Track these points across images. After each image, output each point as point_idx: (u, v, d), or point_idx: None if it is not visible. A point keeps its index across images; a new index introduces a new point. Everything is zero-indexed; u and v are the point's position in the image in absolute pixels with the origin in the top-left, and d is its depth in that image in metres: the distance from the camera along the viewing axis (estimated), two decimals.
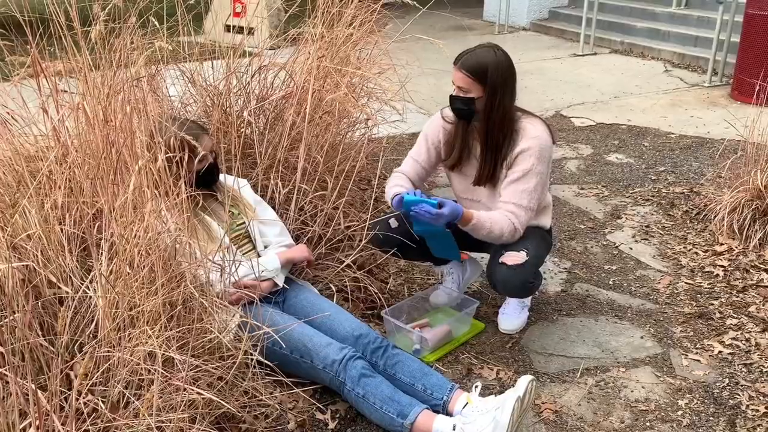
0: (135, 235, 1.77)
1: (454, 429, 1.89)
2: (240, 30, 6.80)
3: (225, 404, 1.77)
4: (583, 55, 7.27)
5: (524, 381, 1.90)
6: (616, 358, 2.39)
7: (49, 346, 1.73)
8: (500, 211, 2.30)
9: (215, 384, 1.83)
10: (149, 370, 1.58)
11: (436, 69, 6.65)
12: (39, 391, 1.49)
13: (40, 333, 1.77)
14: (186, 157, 2.15)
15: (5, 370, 1.56)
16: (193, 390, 1.58)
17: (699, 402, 2.16)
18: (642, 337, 2.50)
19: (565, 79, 6.33)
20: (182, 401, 1.63)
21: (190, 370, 1.71)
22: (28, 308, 1.67)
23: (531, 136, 2.28)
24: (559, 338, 2.50)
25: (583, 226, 3.42)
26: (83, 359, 1.68)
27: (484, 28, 8.90)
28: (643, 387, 2.24)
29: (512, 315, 2.54)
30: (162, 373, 1.64)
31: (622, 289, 2.84)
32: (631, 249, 3.17)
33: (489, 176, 2.37)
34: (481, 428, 1.85)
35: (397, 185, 2.42)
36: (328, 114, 2.68)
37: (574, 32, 7.86)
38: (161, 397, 1.61)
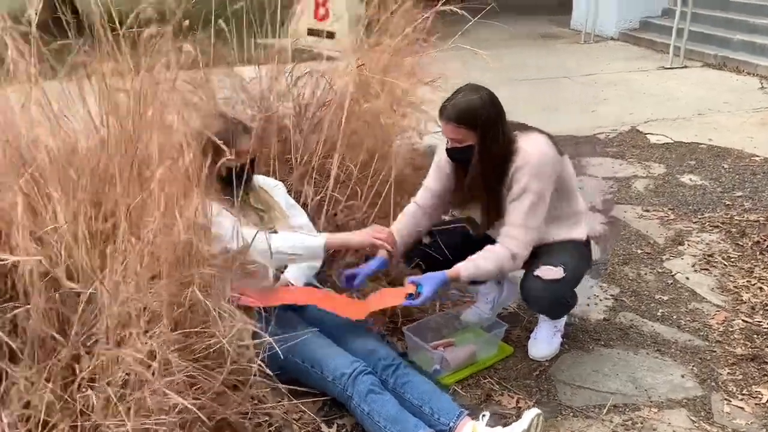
0: (149, 234, 1.80)
1: None
2: (323, 34, 6.91)
3: (223, 410, 1.78)
4: (671, 68, 6.90)
5: (529, 415, 1.80)
6: (649, 396, 2.23)
7: (60, 338, 1.79)
8: (497, 244, 2.23)
9: (217, 389, 1.84)
10: (139, 372, 1.60)
11: (511, 78, 6.52)
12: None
13: (56, 323, 1.84)
14: (221, 154, 2.14)
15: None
16: (171, 395, 1.59)
17: None
18: (683, 376, 2.32)
19: (648, 93, 6.03)
20: (173, 405, 1.64)
21: (189, 373, 1.73)
22: (41, 299, 1.73)
23: (526, 153, 2.18)
24: (591, 369, 2.36)
25: (639, 251, 3.23)
26: (88, 353, 1.73)
27: (570, 36, 8.63)
28: (674, 431, 2.07)
29: (543, 341, 2.42)
30: (160, 373, 1.66)
31: (671, 321, 2.65)
32: (687, 279, 2.96)
33: (495, 216, 2.29)
34: None
35: (397, 229, 2.39)
36: (366, 123, 2.66)
37: (665, 44, 7.47)
38: (152, 398, 1.62)
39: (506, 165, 2.20)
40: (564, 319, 2.47)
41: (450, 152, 2.27)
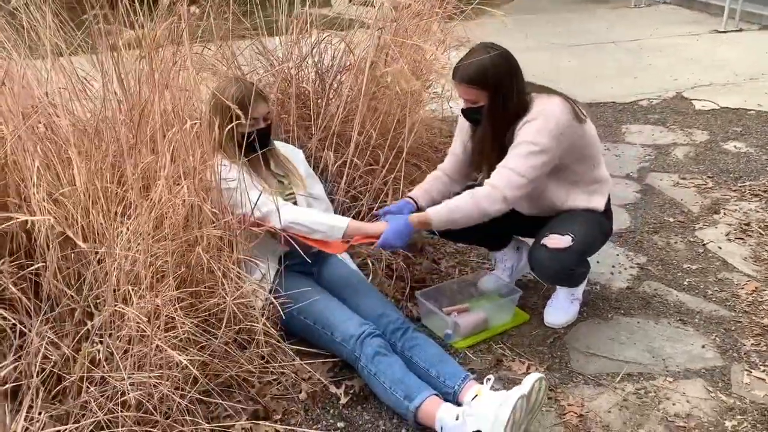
0: (158, 197, 1.84)
1: (456, 419, 1.82)
2: (363, 2, 6.85)
3: (228, 368, 1.82)
4: (724, 32, 6.59)
5: (530, 379, 1.78)
6: (666, 366, 2.17)
7: (75, 296, 1.86)
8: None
9: (223, 347, 1.88)
10: (141, 327, 1.65)
11: (556, 44, 6.34)
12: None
13: (72, 282, 1.90)
14: (234, 119, 2.13)
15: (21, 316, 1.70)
16: (168, 350, 1.63)
17: (750, 426, 1.92)
18: (704, 347, 2.26)
19: (696, 58, 5.78)
20: (178, 362, 1.68)
21: (193, 331, 1.77)
22: (54, 257, 1.79)
23: (538, 109, 2.11)
24: (607, 338, 2.32)
25: (672, 220, 3.13)
26: (99, 311, 1.79)
27: (619, 1, 8.31)
28: (688, 401, 2.02)
29: (559, 308, 2.38)
30: (161, 329, 1.71)
31: (697, 291, 2.57)
32: (720, 248, 2.86)
33: None
34: (482, 422, 1.77)
35: (414, 193, 2.34)
36: (386, 88, 2.63)
37: (719, 6, 7.12)
38: (156, 354, 1.68)
39: (517, 123, 2.15)
40: (582, 287, 2.42)
41: (465, 113, 2.23)
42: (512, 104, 2.13)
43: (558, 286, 2.40)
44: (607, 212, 2.36)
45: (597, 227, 2.28)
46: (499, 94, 2.11)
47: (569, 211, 2.28)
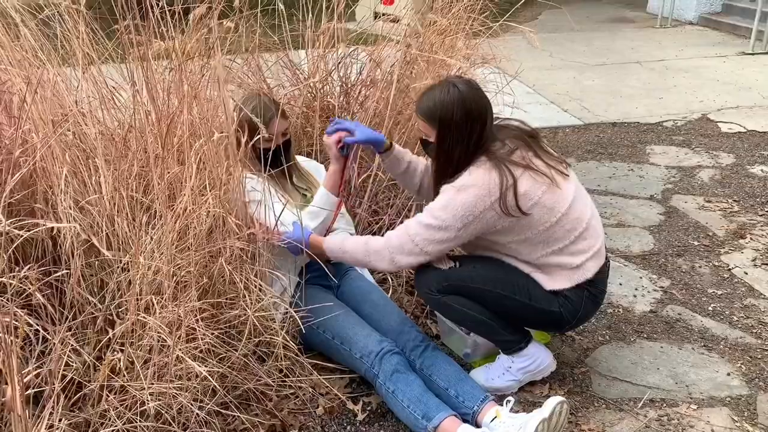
0: (183, 208, 1.85)
1: None
2: (389, 18, 6.87)
3: (247, 380, 1.81)
4: (752, 54, 6.52)
5: (551, 402, 1.76)
6: (690, 392, 2.13)
7: (98, 304, 1.87)
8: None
9: (242, 359, 1.88)
10: (162, 337, 1.66)
11: (580, 62, 6.33)
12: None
13: (95, 291, 1.92)
14: (251, 135, 2.14)
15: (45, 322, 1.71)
16: (188, 360, 1.63)
17: None
18: (729, 374, 2.21)
19: (723, 80, 5.72)
20: (197, 373, 1.68)
21: (213, 342, 1.77)
22: (77, 265, 1.81)
23: (463, 177, 1.91)
24: (630, 362, 2.28)
25: (696, 243, 3.08)
26: (121, 320, 1.80)
27: (644, 21, 8.27)
28: (713, 430, 1.98)
29: (489, 370, 2.15)
30: (182, 340, 1.71)
31: (722, 317, 2.53)
32: (746, 274, 2.81)
33: None
34: None
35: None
36: (412, 102, 2.63)
37: (747, 28, 7.06)
38: (176, 365, 1.68)
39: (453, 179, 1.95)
40: (520, 367, 2.09)
41: (421, 143, 2.08)
42: (456, 155, 1.94)
43: (501, 353, 2.14)
44: (564, 297, 1.97)
45: (519, 293, 1.98)
46: (444, 137, 1.93)
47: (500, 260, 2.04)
